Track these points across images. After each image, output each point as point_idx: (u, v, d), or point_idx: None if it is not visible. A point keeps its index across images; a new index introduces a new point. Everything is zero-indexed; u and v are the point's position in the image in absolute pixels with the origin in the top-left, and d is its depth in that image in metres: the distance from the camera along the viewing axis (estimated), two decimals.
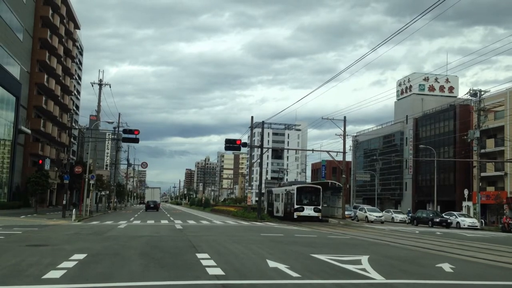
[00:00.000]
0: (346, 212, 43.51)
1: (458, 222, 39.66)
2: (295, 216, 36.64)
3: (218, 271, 9.06)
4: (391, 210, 52.49)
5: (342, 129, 43.19)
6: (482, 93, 44.54)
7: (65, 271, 8.82)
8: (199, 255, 11.59)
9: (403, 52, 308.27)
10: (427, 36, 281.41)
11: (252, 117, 42.81)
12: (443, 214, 42.64)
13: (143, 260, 10.65)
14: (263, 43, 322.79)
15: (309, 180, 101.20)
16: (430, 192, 63.83)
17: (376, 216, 43.51)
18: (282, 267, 9.84)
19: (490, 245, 18.53)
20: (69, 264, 9.64)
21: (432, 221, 40.04)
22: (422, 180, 67.79)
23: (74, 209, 31.43)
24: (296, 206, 37.09)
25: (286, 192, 40.31)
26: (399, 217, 46.80)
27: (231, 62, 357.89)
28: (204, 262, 10.29)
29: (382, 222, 42.58)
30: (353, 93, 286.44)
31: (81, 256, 10.96)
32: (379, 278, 8.73)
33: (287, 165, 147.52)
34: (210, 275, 8.62)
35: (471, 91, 44.62)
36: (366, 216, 43.86)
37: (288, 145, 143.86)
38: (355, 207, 51.05)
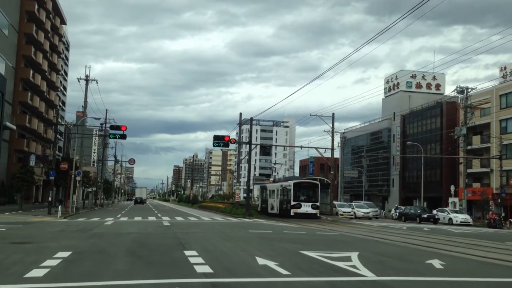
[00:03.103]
0: (344, 210, 42.68)
1: (450, 218, 39.46)
2: (291, 214, 35.16)
3: (207, 269, 8.88)
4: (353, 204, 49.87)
5: (330, 125, 43.23)
6: (469, 90, 44.81)
7: (48, 269, 8.59)
8: (187, 253, 11.40)
9: (386, 51, 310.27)
10: (408, 35, 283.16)
11: (240, 113, 42.69)
12: (435, 210, 42.64)
13: (129, 258, 10.44)
14: (247, 41, 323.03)
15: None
16: (417, 189, 64.13)
17: (364, 212, 43.50)
18: (271, 264, 9.69)
19: (478, 241, 18.56)
20: (53, 262, 9.41)
21: (420, 217, 40.00)
22: (409, 176, 68.12)
23: (60, 206, 31.01)
24: (293, 203, 35.53)
25: (282, 188, 38.79)
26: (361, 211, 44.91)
27: (215, 59, 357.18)
28: (192, 260, 10.11)
29: (369, 218, 42.64)
30: (337, 91, 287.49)
31: (65, 254, 10.72)
32: (370, 275, 8.62)
33: (275, 162, 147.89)
34: (198, 273, 8.44)
35: (458, 88, 44.86)
36: (354, 212, 43.76)
37: (276, 142, 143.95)
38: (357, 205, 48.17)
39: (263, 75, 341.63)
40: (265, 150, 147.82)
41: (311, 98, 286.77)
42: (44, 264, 9.21)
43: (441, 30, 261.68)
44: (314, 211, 35.67)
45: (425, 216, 40.02)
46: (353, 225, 30.25)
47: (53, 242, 13.68)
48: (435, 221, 39.00)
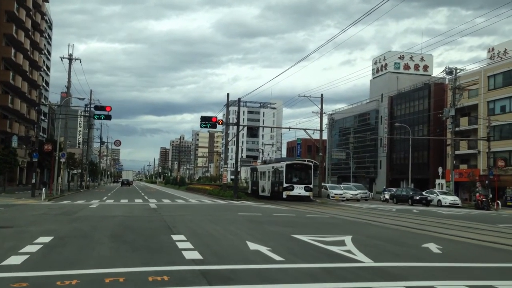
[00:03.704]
0: (335, 192, 41.97)
1: (439, 200, 39.19)
2: (284, 196, 34.08)
3: (196, 255, 8.43)
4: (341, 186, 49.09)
5: (318, 106, 42.77)
6: (458, 71, 44.56)
7: (27, 256, 8.07)
8: (175, 237, 10.94)
9: (372, 32, 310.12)
10: (393, 17, 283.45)
11: (228, 94, 41.95)
12: (423, 192, 42.31)
13: (114, 244, 9.95)
14: (232, 22, 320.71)
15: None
16: (404, 170, 64.22)
17: (352, 194, 43.25)
18: (263, 249, 9.26)
19: (470, 223, 18.35)
20: (33, 248, 8.89)
21: (412, 199, 39.37)
22: (397, 158, 68.21)
23: (43, 188, 30.33)
24: (285, 185, 34.33)
25: (273, 170, 37.50)
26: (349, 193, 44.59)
27: (201, 40, 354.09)
28: (180, 245, 9.65)
29: (358, 200, 42.49)
30: (323, 73, 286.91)
31: (46, 239, 10.20)
32: (367, 261, 8.23)
33: (263, 144, 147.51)
34: (187, 260, 7.99)
35: (447, 69, 44.57)
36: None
37: (263, 124, 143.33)
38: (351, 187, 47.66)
39: (249, 57, 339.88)
40: (252, 132, 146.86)
41: (297, 80, 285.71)
42: (23, 250, 8.69)
43: (427, 12, 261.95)
44: (307, 194, 34.73)
45: (417, 197, 39.37)
46: (342, 207, 30.02)
47: (34, 226, 13.14)
48: (427, 203, 38.44)
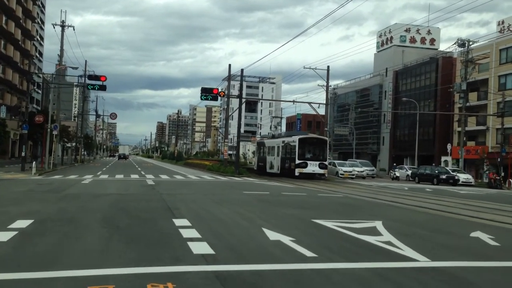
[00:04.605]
0: (345, 169, 39.77)
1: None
2: (296, 174, 31.42)
3: (205, 248, 6.72)
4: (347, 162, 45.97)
5: (324, 80, 40.70)
6: (470, 43, 42.59)
7: None
8: (177, 222, 9.23)
9: (370, 8, 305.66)
10: None
11: (229, 65, 39.59)
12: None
13: (104, 231, 8.22)
14: None
15: None
16: (407, 147, 62.65)
17: (358, 171, 41.37)
18: (285, 240, 7.57)
19: (499, 205, 16.73)
20: (5, 237, 7.20)
21: (438, 178, 35.82)
22: (400, 134, 66.47)
23: (34, 162, 28.57)
24: (298, 161, 31.56)
25: (284, 145, 34.62)
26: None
27: (198, 14, 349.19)
28: (184, 233, 7.94)
29: (363, 178, 40.83)
30: (321, 48, 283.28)
31: (24, 224, 8.50)
32: (422, 259, 6.53)
33: (261, 119, 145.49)
34: (195, 255, 6.30)
35: (459, 41, 42.59)
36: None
37: (262, 98, 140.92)
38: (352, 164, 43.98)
39: (247, 31, 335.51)
40: (250, 107, 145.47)
41: (294, 55, 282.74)
42: None
43: None
44: (322, 171, 32.07)
45: (443, 177, 35.67)
46: (351, 185, 28.28)
47: (14, 206, 11.42)
48: (455, 182, 35.02)
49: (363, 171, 41.81)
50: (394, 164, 53.71)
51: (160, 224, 9.07)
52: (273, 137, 42.66)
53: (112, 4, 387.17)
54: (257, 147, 42.54)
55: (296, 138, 32.94)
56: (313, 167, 31.77)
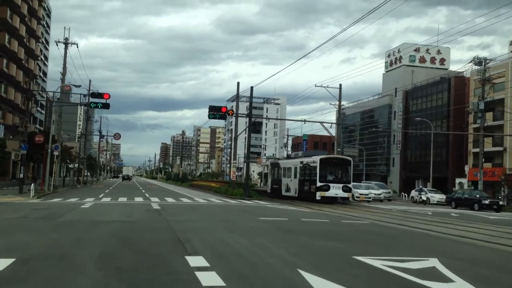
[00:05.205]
0: (360, 191, 37.40)
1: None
2: (317, 197, 28.97)
3: None
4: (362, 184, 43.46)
5: (336, 98, 39.23)
6: (487, 62, 41.13)
7: None
8: (191, 260, 7.50)
9: (372, 31, 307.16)
10: (394, 15, 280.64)
11: (238, 82, 38.23)
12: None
13: (101, 273, 6.51)
14: (232, 19, 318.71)
15: None
16: (418, 168, 60.83)
17: (375, 194, 39.27)
18: None
19: None
20: None
21: (480, 203, 32.87)
22: (411, 155, 64.71)
23: (32, 184, 26.92)
24: (319, 184, 29.11)
25: (302, 166, 32.12)
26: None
27: (201, 37, 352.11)
28: (203, 279, 6.20)
29: (381, 201, 38.79)
30: (323, 70, 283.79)
31: (5, 264, 6.81)
32: None
33: (266, 140, 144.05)
34: None
35: (475, 60, 41.17)
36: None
37: (267, 119, 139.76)
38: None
39: (249, 54, 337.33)
40: (255, 128, 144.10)
41: (296, 77, 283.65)
42: None
43: (426, 10, 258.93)
44: (346, 194, 29.67)
45: (486, 202, 32.84)
46: (371, 209, 26.35)
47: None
48: (499, 208, 32.57)
49: (380, 194, 39.89)
50: (420, 186, 50.43)
51: (170, 264, 7.33)
52: (289, 157, 40.38)
53: (118, 27, 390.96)
54: (271, 169, 39.82)
55: (317, 159, 30.49)
56: (336, 190, 29.37)
